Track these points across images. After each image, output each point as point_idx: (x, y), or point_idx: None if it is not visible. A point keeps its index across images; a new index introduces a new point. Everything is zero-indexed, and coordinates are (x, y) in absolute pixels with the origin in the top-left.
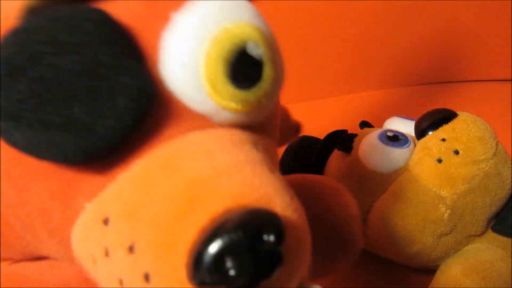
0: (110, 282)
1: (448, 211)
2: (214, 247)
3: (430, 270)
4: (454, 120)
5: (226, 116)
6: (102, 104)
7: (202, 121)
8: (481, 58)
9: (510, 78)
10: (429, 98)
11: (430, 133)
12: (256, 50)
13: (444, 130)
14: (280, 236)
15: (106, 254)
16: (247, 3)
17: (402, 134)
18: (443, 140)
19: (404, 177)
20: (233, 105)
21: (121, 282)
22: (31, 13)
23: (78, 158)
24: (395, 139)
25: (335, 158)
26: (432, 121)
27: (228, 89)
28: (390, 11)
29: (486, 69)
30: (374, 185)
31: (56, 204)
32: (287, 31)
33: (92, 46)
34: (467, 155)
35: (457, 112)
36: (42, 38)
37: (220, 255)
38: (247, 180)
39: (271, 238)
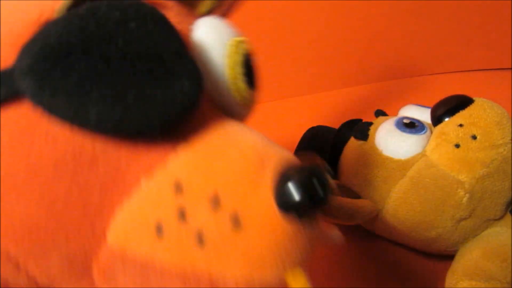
0: (183, 243)
1: (467, 195)
2: (295, 178)
3: (447, 256)
4: (470, 105)
5: (237, 110)
6: (171, 83)
7: (222, 114)
8: (480, 47)
9: (510, 67)
10: (430, 89)
11: (446, 119)
12: (253, 61)
13: (461, 116)
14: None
15: (182, 215)
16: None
17: (419, 121)
18: (461, 125)
19: (421, 163)
20: (245, 101)
21: (200, 237)
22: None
23: (153, 127)
24: (412, 125)
25: (351, 146)
26: (448, 107)
27: (244, 87)
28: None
29: (486, 58)
30: (391, 171)
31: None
32: (291, 24)
33: (159, 34)
34: (485, 139)
35: (473, 98)
36: (111, 23)
37: (303, 183)
38: (280, 148)
39: (326, 177)
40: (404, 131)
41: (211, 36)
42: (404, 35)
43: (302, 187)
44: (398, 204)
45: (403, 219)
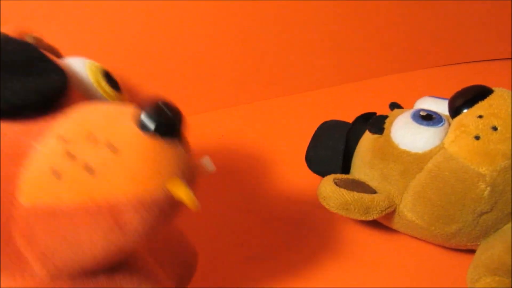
0: (77, 178)
1: (488, 188)
2: (148, 107)
3: (468, 251)
4: (490, 96)
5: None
6: (46, 75)
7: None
8: (480, 38)
9: (510, 57)
10: (431, 82)
11: (465, 110)
12: (111, 73)
13: (481, 107)
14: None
15: (70, 156)
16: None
17: (436, 113)
18: (480, 116)
19: (440, 156)
20: (113, 97)
21: (88, 168)
22: None
23: (35, 102)
24: (429, 118)
25: (366, 140)
26: (467, 98)
27: (109, 89)
28: None
29: (486, 48)
30: (408, 165)
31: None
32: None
33: (34, 50)
34: (506, 130)
35: (493, 88)
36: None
37: (155, 108)
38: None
39: (173, 105)
40: (421, 123)
41: (77, 64)
42: (414, 27)
43: (155, 111)
44: (416, 199)
45: (421, 214)
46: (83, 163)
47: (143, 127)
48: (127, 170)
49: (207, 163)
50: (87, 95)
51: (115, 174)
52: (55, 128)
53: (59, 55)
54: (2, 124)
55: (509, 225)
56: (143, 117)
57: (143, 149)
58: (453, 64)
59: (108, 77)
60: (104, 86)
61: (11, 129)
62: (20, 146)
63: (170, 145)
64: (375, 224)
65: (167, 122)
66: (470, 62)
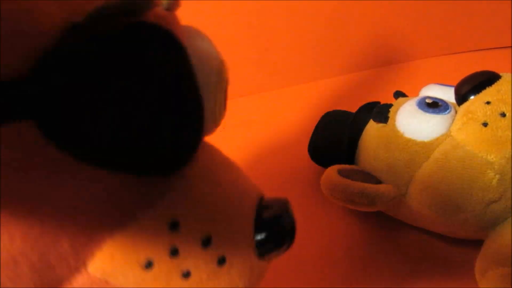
0: (169, 279)
1: (497, 176)
2: (269, 230)
3: (476, 241)
4: (498, 82)
5: (210, 127)
6: (184, 125)
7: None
8: (479, 26)
9: (510, 45)
10: (432, 71)
11: (472, 97)
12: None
13: (488, 93)
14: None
15: (173, 253)
16: None
17: (442, 100)
18: (488, 103)
19: (447, 144)
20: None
21: (187, 273)
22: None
23: (169, 167)
24: (435, 105)
25: (370, 130)
26: (474, 84)
27: (223, 105)
28: None
29: (485, 37)
30: (414, 154)
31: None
32: (303, 6)
33: (172, 72)
34: None
35: (500, 74)
36: (123, 61)
37: (275, 236)
38: (248, 179)
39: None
40: (427, 111)
41: (203, 55)
42: (417, 16)
43: (274, 241)
44: (423, 188)
45: (428, 204)
46: (184, 267)
47: (259, 252)
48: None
49: None
50: None
51: (211, 286)
52: (170, 202)
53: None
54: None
55: None
56: (264, 243)
57: (251, 272)
58: (457, 53)
59: None
60: (221, 103)
61: (119, 186)
62: (121, 208)
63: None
64: (380, 215)
65: (281, 250)
66: (474, 50)
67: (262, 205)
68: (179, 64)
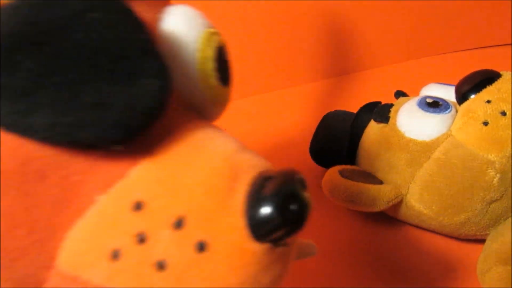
0: (141, 269)
1: (497, 175)
2: (269, 201)
3: (478, 240)
4: (498, 80)
5: (209, 108)
6: (136, 83)
7: (193, 113)
8: (479, 24)
9: (510, 42)
10: (433, 70)
11: (472, 96)
12: (226, 55)
13: (488, 92)
14: (305, 186)
15: (141, 240)
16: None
17: (442, 100)
18: (488, 102)
19: (447, 144)
20: (218, 98)
21: (161, 265)
22: None
23: (117, 137)
24: (436, 104)
25: (371, 130)
26: (474, 83)
27: (216, 84)
28: None
29: (486, 35)
30: (415, 154)
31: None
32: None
33: (123, 27)
34: None
35: (501, 72)
36: (69, 13)
37: (278, 207)
38: (252, 155)
39: (304, 187)
40: (427, 111)
41: (181, 27)
42: (417, 14)
43: (277, 213)
44: (424, 188)
45: (429, 204)
46: (156, 256)
47: (254, 231)
48: (210, 278)
49: (312, 250)
50: (183, 90)
51: (193, 277)
52: (132, 182)
53: None
54: (59, 154)
55: None
56: (260, 217)
57: (243, 258)
58: (458, 51)
59: (220, 60)
60: (211, 83)
61: (70, 165)
62: (78, 194)
63: (280, 255)
64: (382, 216)
65: (290, 231)
66: (475, 48)
67: (266, 177)
68: (126, 29)
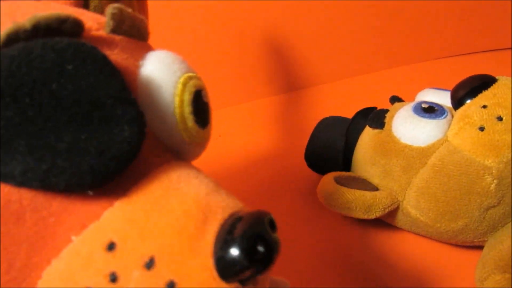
0: None
1: (494, 181)
2: (238, 243)
3: (476, 247)
4: (494, 85)
5: (187, 150)
6: (110, 130)
7: (170, 154)
8: (480, 28)
9: (510, 47)
10: (428, 75)
11: (468, 101)
12: (206, 97)
13: (484, 97)
14: (274, 226)
15: (113, 279)
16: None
17: (438, 105)
18: (484, 107)
19: (443, 149)
20: (196, 140)
21: None
22: (14, 41)
23: (89, 183)
24: (431, 110)
25: (366, 136)
26: (470, 88)
27: (194, 126)
28: None
29: (486, 39)
30: (411, 160)
31: (22, 249)
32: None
33: (97, 76)
34: None
35: (496, 77)
36: (46, 65)
37: (246, 249)
38: (225, 196)
39: (273, 228)
40: (423, 116)
41: (160, 72)
42: (412, 20)
43: (244, 255)
44: (420, 195)
45: (426, 211)
46: None
47: (222, 272)
48: None
49: (284, 284)
50: (161, 132)
51: None
52: (106, 223)
53: (145, 36)
54: (36, 196)
55: None
56: (228, 259)
57: None
58: (454, 55)
59: (198, 103)
60: (188, 126)
61: (46, 207)
62: (54, 235)
63: None
64: (378, 222)
65: (258, 271)
66: (470, 53)
67: (236, 219)
68: (101, 78)
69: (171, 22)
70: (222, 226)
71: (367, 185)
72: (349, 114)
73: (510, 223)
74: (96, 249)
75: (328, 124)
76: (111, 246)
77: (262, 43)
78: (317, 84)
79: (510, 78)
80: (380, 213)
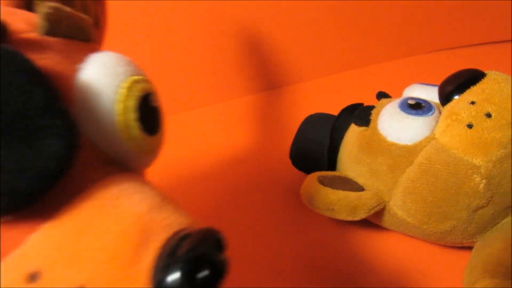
0: None
1: (483, 181)
2: (177, 269)
3: (465, 247)
4: (482, 80)
5: (134, 159)
6: (34, 145)
7: (113, 167)
8: (479, 20)
9: (510, 39)
10: (416, 70)
11: (456, 97)
12: (155, 102)
13: (473, 92)
14: (222, 247)
15: None
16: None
17: (425, 101)
18: (472, 103)
19: (431, 148)
20: (144, 149)
21: None
22: None
23: (4, 206)
24: (418, 106)
25: (352, 133)
26: (458, 83)
27: (139, 134)
28: None
29: (485, 31)
30: (397, 159)
31: None
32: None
33: (20, 85)
34: (501, 117)
35: (485, 72)
36: None
37: (186, 277)
38: (171, 211)
39: (220, 248)
40: (409, 113)
41: (101, 76)
42: (401, 13)
43: (185, 280)
44: (407, 195)
45: (413, 212)
46: None
47: None
48: None
49: None
50: (101, 143)
51: None
52: (30, 250)
53: (88, 37)
54: None
55: (507, 220)
56: (165, 284)
57: None
58: (441, 50)
59: (146, 109)
60: (133, 134)
61: None
62: None
63: None
64: (364, 223)
65: None
66: (458, 47)
67: (181, 237)
68: (24, 86)
69: (148, 19)
70: (164, 247)
71: (352, 185)
72: (336, 111)
73: (500, 223)
74: (16, 280)
75: (314, 121)
76: (33, 277)
77: (247, 39)
78: (303, 80)
79: (499, 72)
80: (365, 214)
